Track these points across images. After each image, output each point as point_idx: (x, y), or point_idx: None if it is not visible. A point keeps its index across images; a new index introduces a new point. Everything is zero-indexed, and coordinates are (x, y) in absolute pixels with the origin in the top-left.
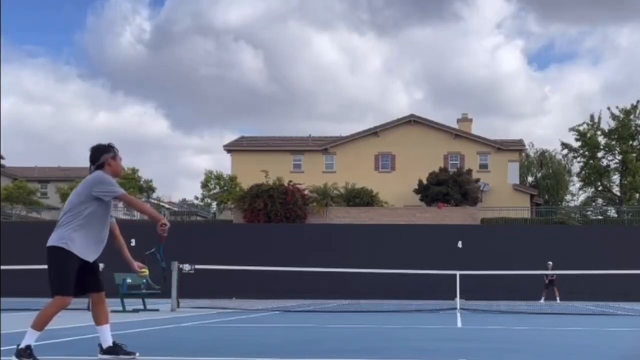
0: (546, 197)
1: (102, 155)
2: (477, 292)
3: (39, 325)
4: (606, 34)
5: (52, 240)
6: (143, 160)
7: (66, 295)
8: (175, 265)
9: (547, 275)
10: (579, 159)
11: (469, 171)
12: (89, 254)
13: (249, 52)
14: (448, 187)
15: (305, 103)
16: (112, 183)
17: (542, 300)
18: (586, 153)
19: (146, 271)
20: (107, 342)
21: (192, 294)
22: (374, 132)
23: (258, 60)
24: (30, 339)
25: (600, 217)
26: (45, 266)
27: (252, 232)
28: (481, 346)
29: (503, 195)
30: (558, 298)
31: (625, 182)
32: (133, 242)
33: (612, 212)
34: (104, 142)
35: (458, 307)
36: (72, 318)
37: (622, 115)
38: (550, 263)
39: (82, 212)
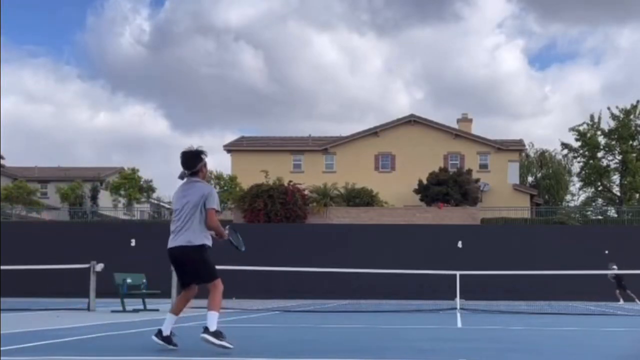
0: (546, 197)
1: (198, 162)
2: (477, 292)
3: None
4: (607, 34)
5: (195, 240)
6: (143, 160)
7: (217, 278)
8: None
9: (611, 275)
10: (579, 159)
11: (469, 171)
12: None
13: (249, 52)
14: (448, 187)
15: (305, 103)
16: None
17: (621, 301)
18: (586, 153)
19: None
20: (167, 330)
21: None
22: (374, 132)
23: (258, 60)
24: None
25: (600, 217)
26: (45, 266)
27: (252, 232)
28: (481, 346)
29: (503, 195)
30: (621, 299)
31: (625, 182)
32: (133, 242)
33: (612, 212)
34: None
35: (458, 307)
36: (72, 318)
37: (622, 115)
38: (615, 266)
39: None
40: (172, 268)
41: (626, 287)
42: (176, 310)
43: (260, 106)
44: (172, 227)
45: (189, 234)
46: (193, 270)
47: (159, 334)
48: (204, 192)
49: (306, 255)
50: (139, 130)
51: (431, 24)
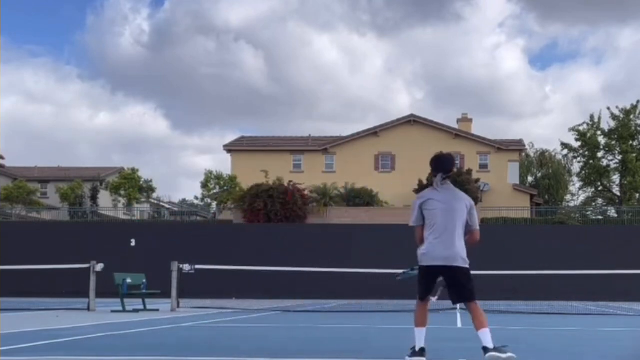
0: (546, 197)
1: (452, 166)
2: (477, 292)
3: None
4: (607, 34)
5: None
6: (143, 160)
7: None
8: (175, 265)
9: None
10: (579, 159)
11: (469, 171)
12: None
13: (250, 52)
14: None
15: (306, 103)
16: None
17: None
18: (586, 153)
19: None
20: (488, 344)
21: (192, 294)
22: (374, 132)
23: (258, 60)
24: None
25: (600, 217)
26: (45, 266)
27: (252, 232)
28: (481, 346)
29: (503, 195)
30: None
31: (625, 182)
32: (133, 242)
33: (612, 212)
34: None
35: (458, 307)
36: (72, 318)
37: (622, 115)
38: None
39: None
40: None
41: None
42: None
43: (260, 106)
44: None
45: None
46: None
47: (415, 353)
48: (469, 203)
49: (306, 255)
50: (139, 130)
51: (432, 24)
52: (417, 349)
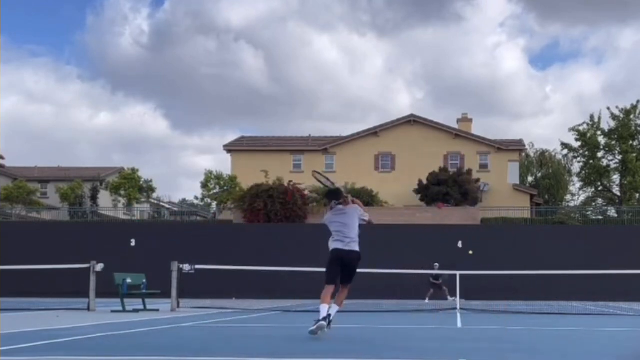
0: (546, 197)
1: (341, 196)
2: (477, 292)
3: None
4: (607, 34)
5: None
6: (143, 160)
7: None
8: (175, 265)
9: (432, 275)
10: (579, 159)
11: (469, 171)
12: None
13: (250, 52)
14: (448, 187)
15: (306, 103)
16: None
17: (426, 300)
18: (586, 153)
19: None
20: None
21: (192, 294)
22: (374, 132)
23: (259, 60)
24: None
25: (600, 217)
26: (45, 266)
27: (252, 232)
28: (481, 346)
29: (503, 195)
30: (449, 297)
31: (625, 182)
32: (133, 242)
33: (612, 212)
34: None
35: (458, 307)
36: (72, 318)
37: (622, 115)
38: (437, 264)
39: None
40: (333, 266)
41: (442, 286)
42: (338, 302)
43: (260, 106)
44: (340, 237)
45: (356, 245)
46: (353, 273)
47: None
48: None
49: (306, 255)
50: (139, 130)
51: (432, 24)
52: (322, 317)
